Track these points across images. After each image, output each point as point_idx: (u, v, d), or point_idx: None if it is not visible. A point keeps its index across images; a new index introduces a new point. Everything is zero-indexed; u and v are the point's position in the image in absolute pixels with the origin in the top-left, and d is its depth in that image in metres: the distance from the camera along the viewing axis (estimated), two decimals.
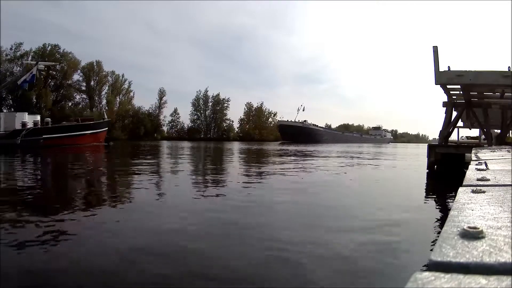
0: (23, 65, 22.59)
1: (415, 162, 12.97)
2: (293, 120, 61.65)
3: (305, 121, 62.87)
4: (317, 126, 64.26)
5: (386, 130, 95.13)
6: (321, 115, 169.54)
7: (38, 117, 21.65)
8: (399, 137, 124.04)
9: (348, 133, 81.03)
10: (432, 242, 2.63)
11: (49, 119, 23.02)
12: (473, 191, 1.01)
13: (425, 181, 7.34)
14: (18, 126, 19.57)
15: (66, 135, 21.09)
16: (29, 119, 20.33)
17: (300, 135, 55.53)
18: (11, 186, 5.62)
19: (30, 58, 47.08)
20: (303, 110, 70.11)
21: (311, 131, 59.85)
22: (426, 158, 8.69)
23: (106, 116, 27.16)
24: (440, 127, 9.11)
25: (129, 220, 3.34)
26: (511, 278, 0.41)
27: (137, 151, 19.03)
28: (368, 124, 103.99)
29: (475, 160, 2.51)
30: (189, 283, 1.94)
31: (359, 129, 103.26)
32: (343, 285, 1.93)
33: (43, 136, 19.62)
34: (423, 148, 17.09)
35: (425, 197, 5.38)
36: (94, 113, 44.18)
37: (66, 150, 16.87)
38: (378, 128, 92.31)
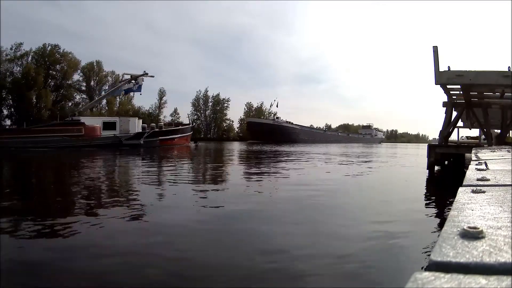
0: (128, 77, 25.66)
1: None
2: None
3: (277, 118, 56.67)
4: (292, 123, 57.07)
5: (377, 129, 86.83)
6: (321, 115, 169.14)
7: (141, 121, 26.06)
8: (399, 137, 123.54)
9: (332, 132, 72.67)
10: (432, 242, 2.63)
11: (162, 123, 28.78)
12: (473, 191, 1.01)
13: (425, 181, 7.34)
14: (132, 129, 23.52)
15: (171, 137, 25.87)
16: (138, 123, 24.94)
17: (272, 133, 49.24)
18: None
19: (30, 58, 47.15)
20: (277, 106, 62.63)
21: (285, 130, 53.21)
22: (426, 158, 8.68)
23: (190, 122, 32.54)
24: (440, 127, 9.11)
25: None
26: (511, 278, 0.41)
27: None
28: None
29: (475, 160, 2.51)
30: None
31: (358, 129, 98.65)
32: (344, 285, 1.93)
33: (159, 138, 24.23)
34: (423, 149, 17.10)
35: (425, 197, 5.38)
36: (94, 113, 44.17)
37: (175, 149, 21.29)
38: (368, 127, 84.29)
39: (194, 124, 33.52)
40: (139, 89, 25.57)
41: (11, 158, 13.35)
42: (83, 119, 22.68)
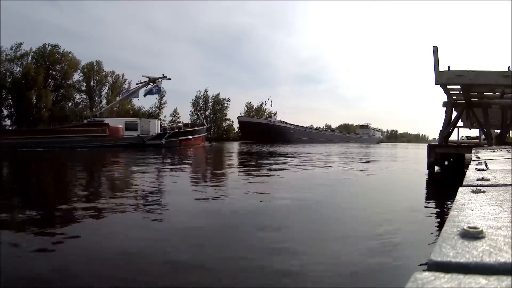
0: (147, 79, 26.23)
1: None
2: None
3: (270, 116, 55.45)
4: (286, 123, 55.19)
5: (375, 129, 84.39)
6: (321, 115, 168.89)
7: (159, 122, 27.36)
8: (399, 137, 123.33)
9: (328, 132, 71.06)
10: (432, 242, 2.63)
11: (181, 124, 30.12)
12: (473, 191, 1.01)
13: (425, 181, 7.34)
14: (152, 129, 24.38)
15: (189, 137, 27.22)
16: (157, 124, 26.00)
17: (265, 133, 47.28)
18: None
19: (30, 58, 47.14)
20: (271, 105, 60.94)
21: (279, 129, 51.38)
22: (426, 158, 8.68)
23: (205, 123, 34.37)
24: (440, 127, 9.10)
25: None
26: (511, 278, 0.41)
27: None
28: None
29: (475, 160, 2.51)
30: None
31: (356, 129, 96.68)
32: (344, 285, 1.93)
33: (179, 138, 25.55)
34: (423, 149, 17.11)
35: (425, 197, 5.38)
36: (93, 113, 44.19)
37: (194, 149, 22.42)
38: (365, 127, 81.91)
39: (208, 125, 34.58)
40: (158, 91, 26.33)
41: (51, 158, 13.36)
42: (105, 120, 23.39)
